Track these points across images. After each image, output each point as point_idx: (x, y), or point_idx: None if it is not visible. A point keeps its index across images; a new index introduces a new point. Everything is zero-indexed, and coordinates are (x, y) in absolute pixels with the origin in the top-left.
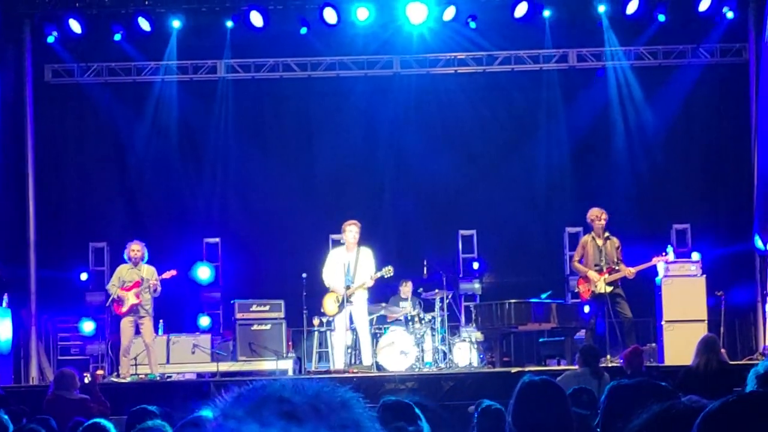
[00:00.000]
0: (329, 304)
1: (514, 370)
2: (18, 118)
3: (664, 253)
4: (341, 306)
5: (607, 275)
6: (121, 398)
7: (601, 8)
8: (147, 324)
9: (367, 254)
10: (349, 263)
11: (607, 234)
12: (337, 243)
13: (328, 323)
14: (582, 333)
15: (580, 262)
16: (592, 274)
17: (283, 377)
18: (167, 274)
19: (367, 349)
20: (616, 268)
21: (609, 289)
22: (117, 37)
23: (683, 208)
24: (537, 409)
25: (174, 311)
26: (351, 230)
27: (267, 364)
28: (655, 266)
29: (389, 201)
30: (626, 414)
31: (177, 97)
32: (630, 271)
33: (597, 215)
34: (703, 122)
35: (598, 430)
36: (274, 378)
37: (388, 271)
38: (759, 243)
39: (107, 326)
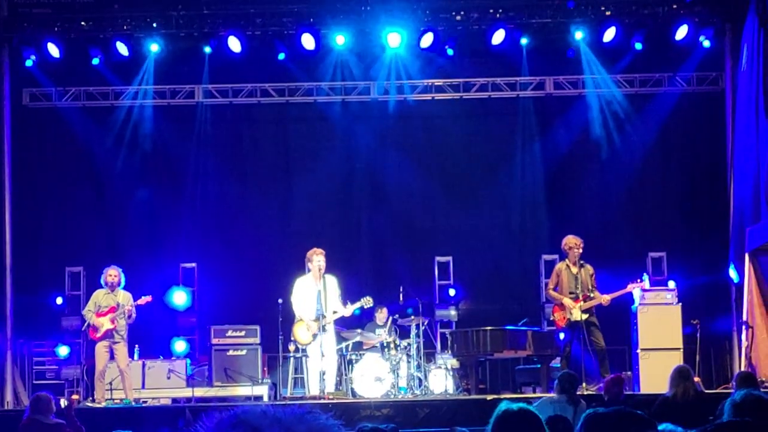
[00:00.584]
0: (302, 332)
1: (489, 397)
2: None
3: (638, 280)
4: (315, 335)
5: (582, 302)
6: (96, 423)
7: (578, 35)
8: (121, 349)
9: (333, 282)
10: (319, 292)
11: (581, 261)
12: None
13: (304, 349)
14: (558, 360)
15: (554, 289)
16: (567, 301)
17: (262, 404)
18: (142, 300)
19: (331, 377)
20: (591, 295)
21: (584, 316)
22: (95, 61)
23: (659, 236)
24: None
25: (150, 336)
26: (318, 259)
27: (242, 390)
28: (630, 294)
29: (366, 227)
30: None
31: (154, 121)
32: (605, 298)
33: (576, 243)
34: (680, 151)
35: None
36: (255, 405)
37: (368, 301)
38: (734, 274)
39: (83, 351)
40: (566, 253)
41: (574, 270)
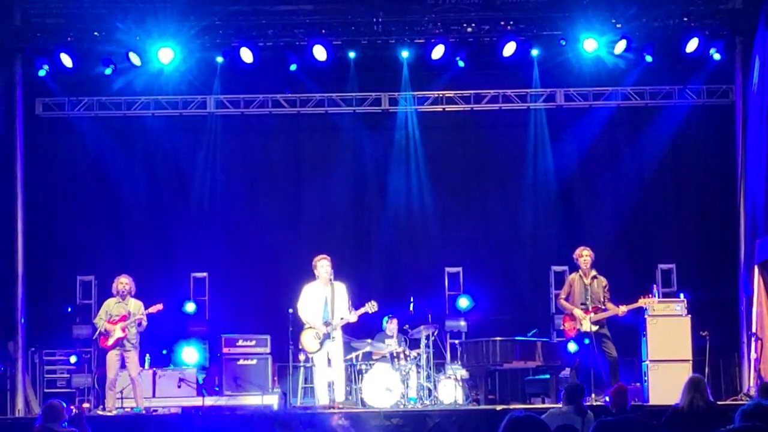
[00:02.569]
0: (309, 340)
1: (499, 407)
2: (8, 151)
3: (650, 294)
4: (322, 342)
5: (592, 314)
6: (107, 431)
7: (589, 48)
8: (132, 358)
9: (341, 289)
10: (326, 298)
11: (594, 273)
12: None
13: (312, 359)
14: (567, 371)
15: (566, 299)
16: (577, 312)
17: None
18: (153, 309)
19: (340, 386)
20: (602, 307)
21: (595, 328)
22: (108, 71)
23: (669, 248)
24: None
25: (160, 345)
26: (323, 265)
27: (252, 399)
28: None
29: (376, 237)
30: None
31: (166, 131)
32: (621, 309)
33: (579, 253)
34: (690, 163)
35: None
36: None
37: (372, 306)
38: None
39: (93, 359)
40: (577, 264)
41: (587, 281)
